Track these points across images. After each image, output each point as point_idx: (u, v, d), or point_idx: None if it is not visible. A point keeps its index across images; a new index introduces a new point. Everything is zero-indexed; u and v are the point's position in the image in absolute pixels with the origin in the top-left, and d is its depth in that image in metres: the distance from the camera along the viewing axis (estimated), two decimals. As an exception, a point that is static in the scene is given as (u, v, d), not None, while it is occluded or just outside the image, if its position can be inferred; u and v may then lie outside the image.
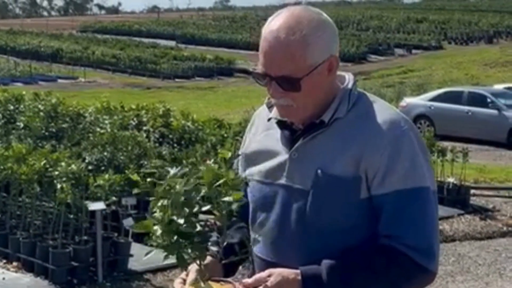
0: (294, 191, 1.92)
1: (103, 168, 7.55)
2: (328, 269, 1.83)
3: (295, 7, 1.93)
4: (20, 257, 6.72)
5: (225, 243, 1.77)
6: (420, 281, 1.90)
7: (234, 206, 1.69)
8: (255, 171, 2.01)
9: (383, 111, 1.93)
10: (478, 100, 18.59)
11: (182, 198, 1.62)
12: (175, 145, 9.06)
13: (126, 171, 7.25)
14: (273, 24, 1.90)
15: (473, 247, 8.10)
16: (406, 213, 1.86)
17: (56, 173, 6.51)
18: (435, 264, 1.89)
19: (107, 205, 6.54)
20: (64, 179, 6.40)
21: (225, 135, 9.73)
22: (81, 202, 6.54)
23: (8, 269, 6.68)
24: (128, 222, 6.78)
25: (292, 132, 1.99)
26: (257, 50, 1.94)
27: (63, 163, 6.59)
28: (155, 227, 1.63)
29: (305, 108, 1.93)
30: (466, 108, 18.44)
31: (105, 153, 7.82)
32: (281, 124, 2.01)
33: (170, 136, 9.36)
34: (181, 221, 1.60)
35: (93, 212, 6.51)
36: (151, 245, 1.67)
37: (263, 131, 2.07)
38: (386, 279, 1.85)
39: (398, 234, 1.85)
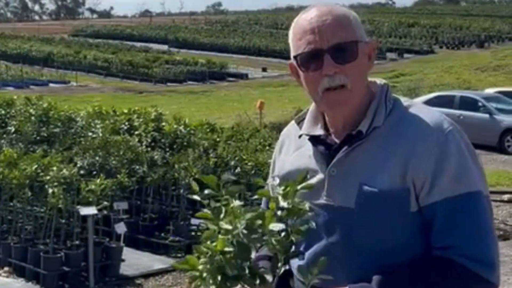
0: (336, 210, 1.79)
1: (94, 172, 7.53)
2: (379, 285, 1.69)
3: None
4: (12, 262, 6.70)
5: (280, 272, 1.58)
6: None
7: (293, 238, 1.52)
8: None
9: (423, 114, 1.81)
10: (469, 104, 18.66)
11: (241, 240, 1.46)
12: (167, 149, 9.04)
13: (118, 176, 7.23)
14: (310, 12, 1.84)
15: (465, 251, 8.12)
16: (459, 221, 1.71)
17: (48, 177, 6.49)
18: (496, 275, 1.74)
19: (99, 210, 6.52)
20: (55, 183, 6.38)
21: (218, 139, 9.72)
22: (73, 207, 6.52)
23: (-1, 274, 6.66)
24: (119, 227, 6.76)
25: (327, 147, 1.86)
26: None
27: (54, 168, 6.57)
28: (201, 267, 1.46)
29: (358, 90, 1.81)
30: (458, 112, 18.47)
31: (97, 158, 7.80)
32: (314, 139, 1.89)
33: (162, 140, 9.34)
34: (232, 270, 1.45)
35: (84, 217, 6.49)
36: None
37: (294, 151, 1.95)
38: None
39: (454, 245, 1.71)
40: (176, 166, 7.88)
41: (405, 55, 50.37)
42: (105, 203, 6.62)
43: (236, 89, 37.45)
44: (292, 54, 1.86)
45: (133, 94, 35.90)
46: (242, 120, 18.14)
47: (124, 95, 34.69)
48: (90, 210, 6.33)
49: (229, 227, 1.46)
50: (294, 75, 1.91)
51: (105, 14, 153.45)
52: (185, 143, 9.23)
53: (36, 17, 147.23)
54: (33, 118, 9.35)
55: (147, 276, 6.77)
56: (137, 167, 8.00)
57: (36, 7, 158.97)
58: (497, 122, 17.80)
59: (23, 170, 6.74)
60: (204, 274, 1.45)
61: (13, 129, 9.16)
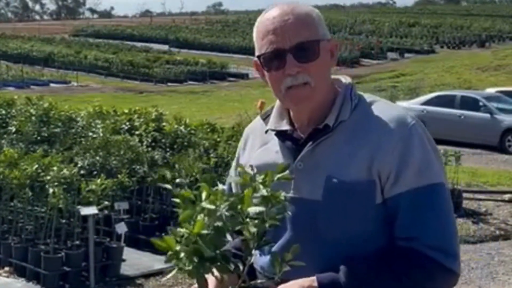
0: (303, 203, 1.83)
1: (95, 172, 7.53)
2: (346, 275, 1.74)
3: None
4: (12, 262, 6.70)
5: (251, 261, 1.62)
6: (443, 283, 1.81)
7: (268, 225, 1.55)
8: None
9: (387, 109, 1.87)
10: (470, 104, 18.67)
11: (221, 224, 1.49)
12: (168, 149, 9.04)
13: (119, 176, 7.23)
14: (272, 11, 1.88)
15: (466, 251, 8.10)
16: (423, 212, 1.77)
17: (48, 177, 6.49)
18: (458, 264, 1.81)
19: (100, 210, 6.52)
20: (56, 183, 6.38)
21: (218, 139, 9.72)
22: (73, 207, 6.52)
23: (0, 274, 6.66)
24: (120, 227, 6.76)
25: (294, 142, 1.91)
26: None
27: (55, 168, 6.57)
28: (178, 248, 1.49)
29: (321, 88, 1.86)
30: (459, 112, 18.50)
31: (98, 158, 7.80)
32: (281, 134, 1.93)
33: (163, 140, 9.34)
34: (209, 252, 1.48)
35: (85, 217, 6.49)
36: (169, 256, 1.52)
37: (260, 146, 1.99)
38: (409, 283, 1.76)
39: (417, 235, 1.76)
40: (176, 166, 7.87)
41: (406, 55, 50.32)
42: (106, 203, 6.61)
43: (237, 89, 37.43)
44: (256, 53, 1.90)
45: (134, 94, 35.88)
46: (242, 120, 18.10)
47: (124, 95, 34.67)
48: (91, 210, 6.33)
49: (212, 207, 1.48)
50: (259, 73, 1.94)
51: (106, 14, 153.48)
52: (185, 143, 9.23)
53: (37, 17, 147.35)
54: (33, 118, 9.35)
55: (147, 276, 6.77)
56: (138, 167, 8.00)
57: (37, 7, 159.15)
58: (498, 122, 17.79)
59: (23, 170, 6.74)
60: (181, 255, 1.48)
61: (13, 129, 9.15)
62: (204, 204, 1.49)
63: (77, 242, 6.54)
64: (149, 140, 9.21)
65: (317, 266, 1.78)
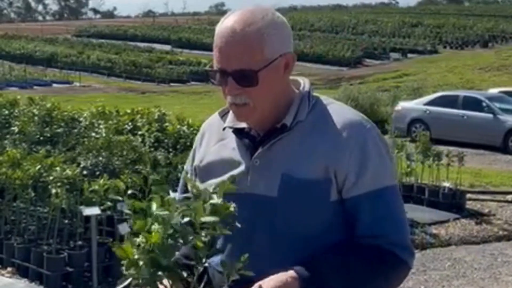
0: (259, 199, 1.87)
1: (98, 173, 7.52)
2: (323, 267, 1.80)
3: (248, 6, 1.93)
4: (15, 262, 6.70)
5: (201, 270, 1.65)
6: (403, 276, 1.94)
7: (217, 234, 1.59)
8: (212, 184, 1.83)
9: (344, 113, 1.93)
10: (473, 104, 18.65)
11: (176, 233, 1.51)
12: (171, 149, 9.04)
13: (122, 176, 7.22)
14: (228, 21, 1.89)
15: (469, 252, 8.10)
16: (384, 212, 1.88)
17: (51, 178, 6.49)
18: (413, 259, 1.94)
19: (102, 210, 6.51)
20: (58, 184, 6.37)
21: (221, 139, 9.70)
22: (76, 207, 6.52)
23: (2, 275, 6.66)
24: (123, 227, 6.75)
25: (251, 139, 1.95)
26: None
27: (57, 168, 6.57)
28: (136, 256, 1.51)
29: (262, 107, 1.89)
30: (462, 112, 18.48)
31: (100, 158, 7.79)
32: (238, 132, 1.97)
33: (166, 140, 9.34)
34: (165, 261, 1.50)
35: (88, 217, 6.49)
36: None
37: (217, 142, 2.03)
38: (380, 277, 1.87)
39: (383, 233, 1.86)
40: (179, 166, 7.87)
41: (409, 55, 50.26)
42: (108, 203, 6.61)
43: (239, 89, 37.41)
44: None
45: (136, 94, 35.90)
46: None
47: (127, 95, 34.69)
48: (93, 211, 6.33)
49: (165, 213, 1.52)
50: None
51: (108, 15, 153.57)
52: (188, 143, 9.22)
53: (40, 18, 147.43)
54: (36, 118, 9.35)
55: (150, 276, 6.77)
56: (140, 167, 7.99)
57: (40, 8, 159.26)
58: (501, 122, 17.77)
59: (26, 170, 6.74)
60: (140, 263, 1.50)
61: (16, 129, 9.16)
62: (158, 212, 1.52)
63: (80, 243, 6.54)
64: (152, 141, 9.20)
65: (274, 264, 1.80)
